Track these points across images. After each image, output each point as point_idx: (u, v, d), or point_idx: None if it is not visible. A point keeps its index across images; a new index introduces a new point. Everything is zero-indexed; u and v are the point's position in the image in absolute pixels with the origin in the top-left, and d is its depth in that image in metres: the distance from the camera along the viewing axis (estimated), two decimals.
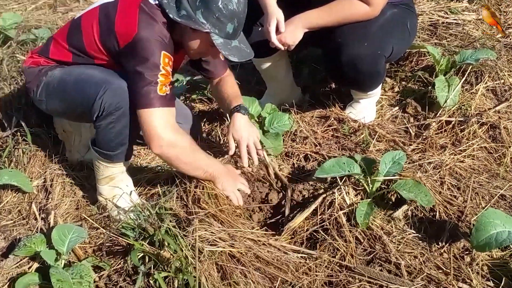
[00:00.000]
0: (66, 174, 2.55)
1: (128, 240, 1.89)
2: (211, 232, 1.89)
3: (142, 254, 1.85)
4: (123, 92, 2.06)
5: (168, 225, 1.83)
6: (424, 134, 2.60)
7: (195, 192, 2.13)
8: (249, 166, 2.35)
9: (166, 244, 1.82)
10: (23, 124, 2.59)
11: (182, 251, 1.78)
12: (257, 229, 2.11)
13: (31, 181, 2.50)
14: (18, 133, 2.66)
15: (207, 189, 2.14)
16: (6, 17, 3.94)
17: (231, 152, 2.34)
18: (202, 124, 2.89)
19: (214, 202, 2.11)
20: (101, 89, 2.06)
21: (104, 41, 2.10)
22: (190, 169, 2.13)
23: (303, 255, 1.96)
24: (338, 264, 1.91)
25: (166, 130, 2.00)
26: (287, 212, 2.21)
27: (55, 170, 2.56)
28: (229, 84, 2.52)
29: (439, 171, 2.31)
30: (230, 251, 1.86)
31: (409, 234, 2.03)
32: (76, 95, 2.15)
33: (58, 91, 2.21)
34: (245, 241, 1.93)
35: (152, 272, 1.79)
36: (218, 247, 1.85)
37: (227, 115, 2.44)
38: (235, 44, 2.09)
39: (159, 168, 2.53)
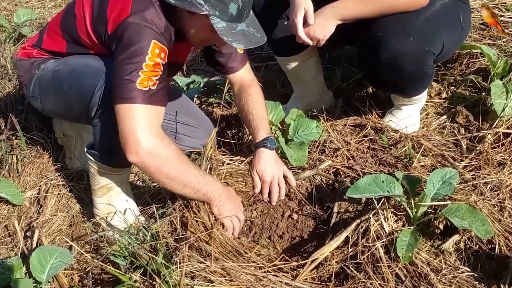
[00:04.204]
0: (63, 185, 2.28)
1: (116, 271, 1.57)
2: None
3: None
4: None
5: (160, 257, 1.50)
6: (478, 148, 2.24)
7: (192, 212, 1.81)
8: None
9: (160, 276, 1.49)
10: (17, 127, 2.32)
11: None
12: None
13: (23, 191, 2.23)
14: (14, 138, 2.40)
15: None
16: (21, 13, 3.84)
17: (257, 190, 2.08)
18: (219, 130, 2.57)
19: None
20: (100, 79, 1.79)
21: (95, 26, 1.82)
22: (177, 186, 1.77)
23: None
24: None
25: (147, 133, 1.66)
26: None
27: (51, 179, 2.30)
28: (255, 100, 2.18)
29: (498, 194, 1.95)
30: None
31: (462, 272, 1.68)
32: (72, 88, 1.89)
33: (52, 86, 1.96)
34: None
35: None
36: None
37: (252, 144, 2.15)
38: (241, 28, 1.75)
39: None
